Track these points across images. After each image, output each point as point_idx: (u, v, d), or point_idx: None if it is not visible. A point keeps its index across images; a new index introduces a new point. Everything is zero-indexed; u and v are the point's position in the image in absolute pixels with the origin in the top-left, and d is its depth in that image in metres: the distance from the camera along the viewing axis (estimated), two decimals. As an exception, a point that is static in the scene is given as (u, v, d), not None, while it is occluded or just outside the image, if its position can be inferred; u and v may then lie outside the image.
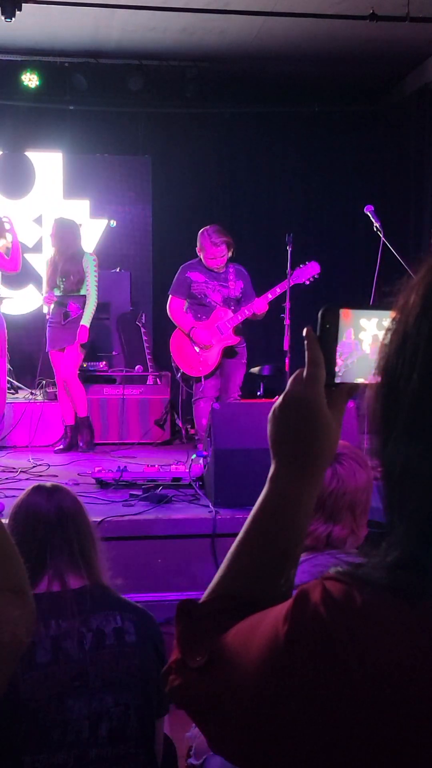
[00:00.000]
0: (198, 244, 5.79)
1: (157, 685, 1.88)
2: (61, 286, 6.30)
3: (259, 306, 5.68)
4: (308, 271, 5.74)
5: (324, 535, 1.87)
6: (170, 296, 5.87)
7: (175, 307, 5.85)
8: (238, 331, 5.80)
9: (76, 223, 6.55)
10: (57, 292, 6.34)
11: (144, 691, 1.87)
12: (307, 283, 5.74)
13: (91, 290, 6.33)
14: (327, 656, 0.67)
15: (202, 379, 5.78)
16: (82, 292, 6.30)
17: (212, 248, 5.68)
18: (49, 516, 1.94)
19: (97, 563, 1.98)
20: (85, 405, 6.43)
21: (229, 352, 5.83)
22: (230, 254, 5.76)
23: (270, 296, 5.67)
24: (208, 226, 5.81)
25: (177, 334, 5.93)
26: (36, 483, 2.10)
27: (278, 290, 5.66)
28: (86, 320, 6.29)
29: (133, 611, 1.93)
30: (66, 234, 6.40)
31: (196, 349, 5.80)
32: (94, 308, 6.33)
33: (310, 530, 1.83)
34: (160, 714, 1.94)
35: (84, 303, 6.30)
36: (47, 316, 6.49)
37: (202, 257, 5.79)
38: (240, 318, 5.72)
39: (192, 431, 6.98)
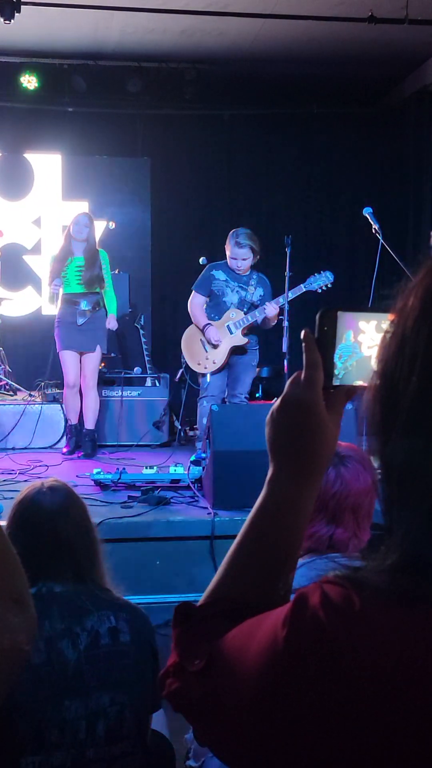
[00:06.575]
0: (226, 242, 5.88)
1: (151, 683, 1.88)
2: (78, 283, 6.14)
3: (270, 309, 5.71)
4: (322, 280, 5.80)
5: (326, 537, 1.85)
6: (193, 291, 5.98)
7: (195, 302, 5.94)
8: (249, 332, 5.88)
9: None
10: (67, 289, 6.17)
11: (139, 690, 1.87)
12: (320, 291, 5.81)
13: (109, 287, 6.26)
14: (326, 660, 0.66)
15: (208, 375, 5.84)
16: (96, 289, 6.22)
17: (235, 248, 5.75)
18: (49, 514, 1.93)
19: (95, 563, 1.97)
20: (95, 418, 6.32)
21: (237, 350, 5.90)
22: (254, 261, 5.82)
23: (281, 300, 5.69)
24: (240, 227, 5.90)
25: (190, 330, 6.00)
26: (38, 480, 2.08)
27: (290, 295, 5.67)
28: (114, 310, 6.28)
29: (126, 610, 1.93)
30: (94, 229, 6.33)
31: (206, 348, 5.87)
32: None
33: (311, 532, 1.83)
34: (152, 710, 1.94)
35: (97, 302, 6.20)
36: (57, 315, 6.25)
37: (227, 255, 5.88)
38: (250, 320, 5.81)
39: (190, 432, 6.99)
